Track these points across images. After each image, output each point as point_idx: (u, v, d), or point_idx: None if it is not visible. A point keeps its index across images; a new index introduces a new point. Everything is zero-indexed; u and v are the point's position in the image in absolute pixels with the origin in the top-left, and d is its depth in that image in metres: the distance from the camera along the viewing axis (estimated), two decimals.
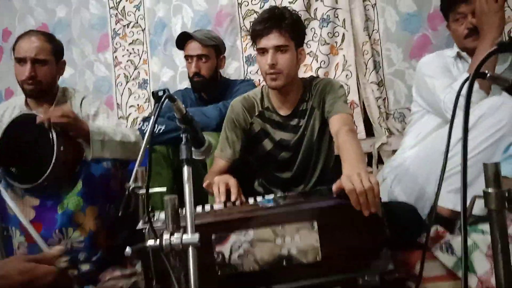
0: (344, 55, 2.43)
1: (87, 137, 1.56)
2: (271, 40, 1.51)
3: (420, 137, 1.70)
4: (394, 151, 2.05)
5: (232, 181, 1.35)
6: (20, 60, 1.74)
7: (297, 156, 1.67)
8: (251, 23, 1.60)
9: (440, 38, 2.28)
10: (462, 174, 0.67)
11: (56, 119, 1.48)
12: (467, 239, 0.67)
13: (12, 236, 1.49)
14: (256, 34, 1.55)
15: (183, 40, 2.12)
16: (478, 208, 0.80)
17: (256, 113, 1.68)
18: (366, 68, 2.41)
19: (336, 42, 2.45)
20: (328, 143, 1.69)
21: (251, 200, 1.29)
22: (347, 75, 2.43)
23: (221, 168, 1.62)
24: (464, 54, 1.71)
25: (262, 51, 1.54)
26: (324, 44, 2.45)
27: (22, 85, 1.76)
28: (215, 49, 2.12)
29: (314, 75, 2.43)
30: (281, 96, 1.63)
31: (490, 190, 0.76)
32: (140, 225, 1.12)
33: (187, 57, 2.12)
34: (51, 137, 1.47)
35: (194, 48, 2.08)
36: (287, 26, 1.50)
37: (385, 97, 2.41)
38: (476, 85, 1.48)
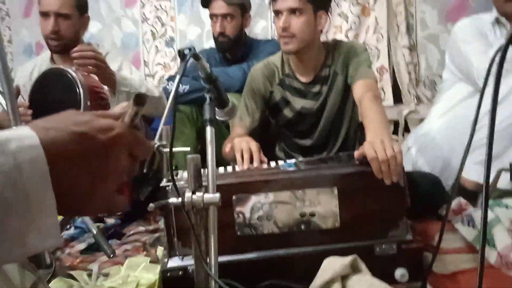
0: (376, 17, 2.34)
1: (113, 85, 1.58)
2: (285, 2, 1.47)
3: (449, 106, 1.64)
4: (422, 120, 2.01)
5: (254, 146, 1.35)
6: (44, 14, 1.76)
7: (319, 124, 1.65)
8: None
9: (479, 0, 2.16)
10: (487, 146, 0.64)
11: (88, 61, 1.49)
12: (487, 213, 0.66)
13: None
14: None
15: None
16: (504, 181, 0.78)
17: (277, 81, 1.65)
18: (398, 31, 2.32)
19: (368, 3, 2.36)
20: (351, 110, 1.65)
21: (272, 164, 1.30)
22: (378, 38, 2.35)
23: (240, 136, 1.62)
24: (503, 19, 1.62)
25: (277, 13, 1.50)
26: (355, 5, 2.36)
27: (47, 40, 1.78)
28: (241, 7, 2.08)
29: (344, 37, 2.37)
30: (300, 61, 1.59)
31: None
32: (163, 183, 1.15)
33: (212, 16, 2.09)
34: (78, 91, 1.50)
35: (219, 6, 2.04)
36: None
37: (416, 63, 2.33)
38: None
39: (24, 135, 0.37)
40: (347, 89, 1.58)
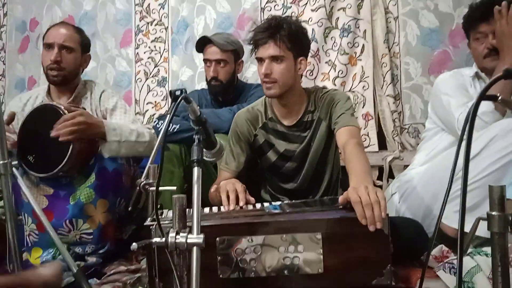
0: (362, 66, 2.43)
1: (103, 136, 1.59)
2: (267, 50, 1.54)
3: (431, 155, 1.69)
4: (406, 166, 2.05)
5: (239, 186, 1.37)
6: (48, 46, 1.81)
7: (303, 167, 1.68)
8: (250, 32, 1.62)
9: (461, 55, 2.26)
10: (461, 197, 0.67)
11: (67, 136, 1.47)
12: (462, 260, 0.68)
13: (24, 223, 1.53)
14: (254, 43, 1.58)
15: (202, 44, 2.14)
16: (484, 230, 0.80)
17: (260, 125, 1.69)
18: (383, 81, 2.40)
19: (355, 53, 2.45)
20: (334, 155, 1.69)
21: (258, 205, 1.31)
22: (364, 86, 2.42)
23: (226, 179, 1.64)
24: (482, 74, 1.70)
25: (260, 60, 1.57)
26: (343, 54, 2.45)
27: (47, 70, 1.81)
28: (234, 53, 2.15)
29: (331, 83, 2.44)
30: (283, 105, 1.65)
31: (494, 212, 0.76)
32: (148, 222, 1.15)
33: (205, 60, 2.15)
34: None
35: (213, 52, 2.11)
36: (284, 37, 1.52)
37: (400, 111, 2.40)
38: (491, 106, 1.48)
39: None
40: (330, 135, 1.63)
